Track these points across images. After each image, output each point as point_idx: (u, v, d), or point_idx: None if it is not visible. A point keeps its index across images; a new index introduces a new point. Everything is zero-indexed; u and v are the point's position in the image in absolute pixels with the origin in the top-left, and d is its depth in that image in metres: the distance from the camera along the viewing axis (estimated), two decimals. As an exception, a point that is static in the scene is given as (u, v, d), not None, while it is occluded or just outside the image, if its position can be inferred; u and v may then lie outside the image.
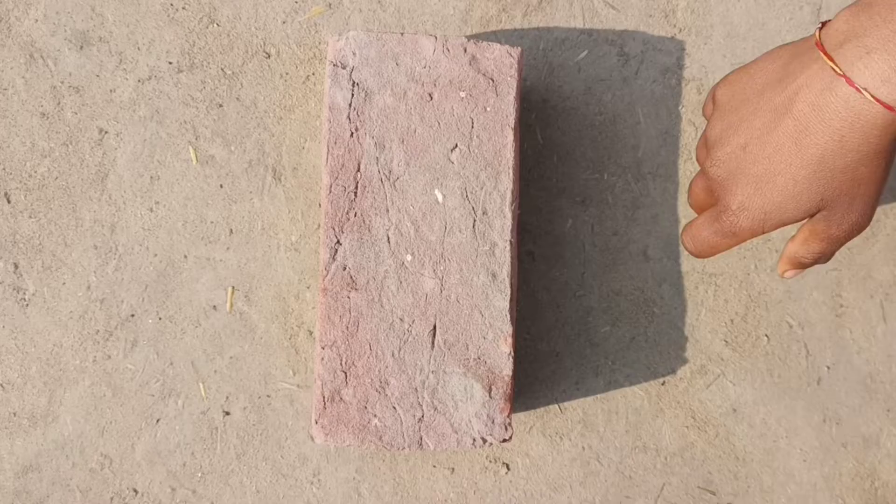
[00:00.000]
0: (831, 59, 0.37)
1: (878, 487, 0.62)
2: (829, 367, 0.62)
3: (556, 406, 0.60)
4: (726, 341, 0.61)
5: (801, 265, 0.46)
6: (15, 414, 0.56)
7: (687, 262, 0.61)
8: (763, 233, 0.43)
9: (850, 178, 0.39)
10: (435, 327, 0.51)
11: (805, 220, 0.43)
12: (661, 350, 0.61)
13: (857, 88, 0.36)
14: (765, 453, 0.62)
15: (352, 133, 0.51)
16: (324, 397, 0.50)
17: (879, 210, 0.62)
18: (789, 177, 0.40)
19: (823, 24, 0.39)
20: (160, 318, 0.57)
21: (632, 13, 0.60)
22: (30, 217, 0.56)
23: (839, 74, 0.36)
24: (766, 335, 0.62)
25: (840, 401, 0.62)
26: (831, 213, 0.41)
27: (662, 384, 0.61)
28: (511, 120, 0.52)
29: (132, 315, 0.56)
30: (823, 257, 0.45)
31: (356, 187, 0.51)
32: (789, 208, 0.41)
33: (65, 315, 0.56)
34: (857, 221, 0.42)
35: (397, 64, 0.52)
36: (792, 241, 0.46)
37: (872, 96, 0.36)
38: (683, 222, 0.61)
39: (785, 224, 0.42)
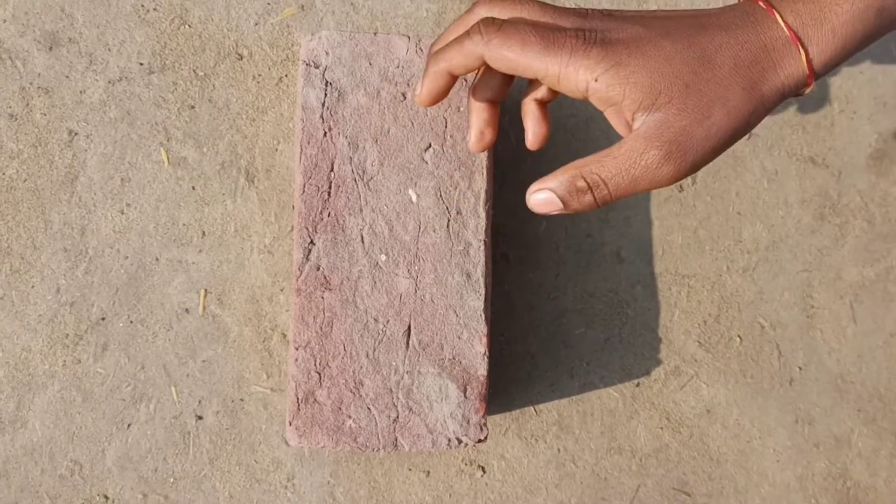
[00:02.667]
0: None
1: (850, 487, 0.63)
2: (800, 368, 0.63)
3: (532, 408, 0.60)
4: (699, 342, 0.62)
5: (573, 191, 0.36)
6: (-19, 420, 0.55)
7: (660, 264, 0.61)
8: (584, 83, 0.34)
9: (716, 89, 0.34)
10: (410, 327, 0.51)
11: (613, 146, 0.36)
12: (635, 351, 0.61)
13: (771, 9, 0.35)
14: (739, 454, 0.62)
15: (325, 132, 0.51)
16: (298, 398, 0.50)
17: (848, 212, 0.63)
18: (676, 43, 0.34)
19: None
20: (131, 322, 0.56)
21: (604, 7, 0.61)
22: (-2, 219, 0.55)
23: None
24: (739, 336, 0.62)
25: (812, 401, 0.63)
26: (667, 119, 0.34)
27: (637, 385, 0.61)
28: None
29: (103, 318, 0.56)
30: (604, 191, 0.36)
31: (330, 187, 0.51)
32: (650, 76, 0.34)
33: (34, 319, 0.55)
34: (678, 150, 0.34)
35: (370, 64, 0.52)
36: (585, 159, 0.36)
37: (782, 18, 0.34)
38: (657, 224, 0.61)
39: (617, 98, 0.34)
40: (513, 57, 0.34)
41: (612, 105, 0.35)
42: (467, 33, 0.36)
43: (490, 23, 0.35)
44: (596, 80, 0.34)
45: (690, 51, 0.34)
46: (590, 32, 0.34)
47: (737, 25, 0.34)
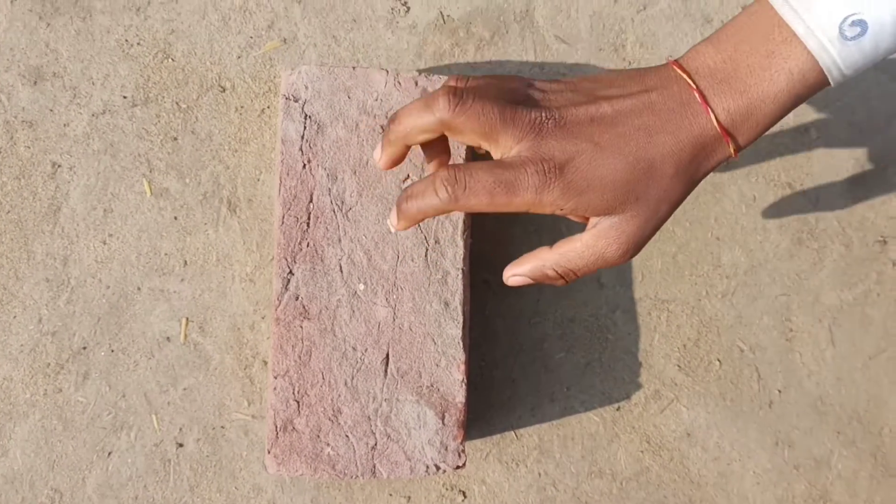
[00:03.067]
0: (690, 78, 0.40)
1: (831, 509, 0.63)
2: (780, 391, 0.63)
3: (513, 433, 0.61)
4: (679, 366, 0.62)
5: (543, 277, 0.43)
6: (-36, 450, 0.55)
7: (640, 289, 0.62)
8: (551, 209, 0.40)
9: (662, 192, 0.40)
10: (388, 355, 0.52)
11: (570, 237, 0.42)
12: (615, 376, 0.62)
13: (707, 109, 0.39)
14: (719, 476, 0.62)
15: (304, 164, 0.52)
16: (276, 426, 0.51)
17: (826, 236, 0.64)
18: (630, 161, 0.39)
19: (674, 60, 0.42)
20: (112, 351, 0.56)
21: (582, 47, 0.62)
22: (-18, 250, 0.56)
23: (695, 90, 0.40)
24: (719, 360, 0.63)
25: (792, 423, 0.63)
26: (622, 224, 0.40)
27: (617, 409, 0.62)
28: (462, 150, 0.53)
29: (84, 348, 0.56)
30: (571, 276, 0.43)
31: (308, 218, 0.52)
32: (606, 192, 0.39)
33: (15, 348, 0.56)
34: (631, 244, 0.41)
35: (349, 97, 0.52)
36: (550, 249, 0.43)
37: (717, 120, 0.39)
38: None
39: (580, 211, 0.40)
40: (484, 205, 0.40)
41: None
42: (433, 185, 0.40)
43: (453, 180, 0.39)
44: (561, 210, 0.40)
45: (640, 166, 0.39)
46: (548, 164, 0.39)
47: (677, 125, 0.40)
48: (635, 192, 0.40)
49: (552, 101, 0.41)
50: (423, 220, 0.42)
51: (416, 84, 0.53)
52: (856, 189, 0.65)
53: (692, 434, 0.62)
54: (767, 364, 0.63)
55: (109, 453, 0.56)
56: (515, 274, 0.44)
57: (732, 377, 0.63)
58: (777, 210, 0.64)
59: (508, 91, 0.41)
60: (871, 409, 0.64)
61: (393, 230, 0.44)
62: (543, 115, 0.39)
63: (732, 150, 0.41)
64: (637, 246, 0.41)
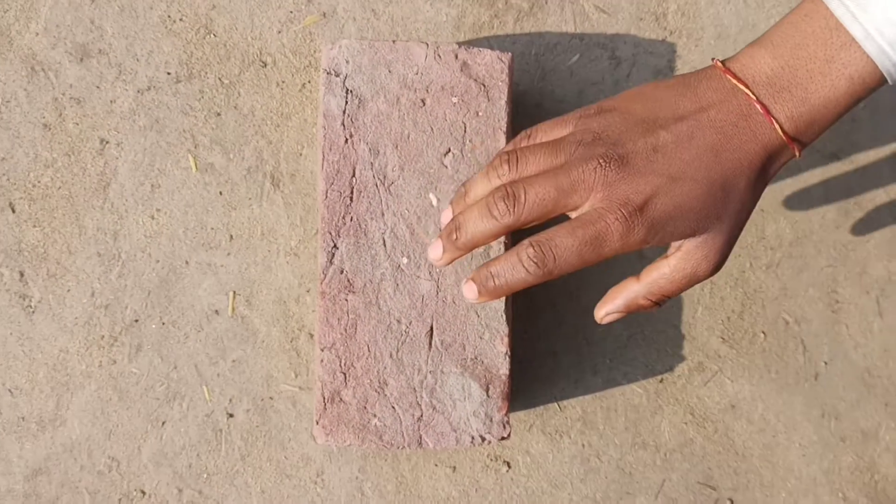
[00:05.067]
0: (749, 88, 0.39)
1: (878, 481, 0.63)
2: (826, 363, 0.63)
3: (556, 404, 0.61)
4: (723, 338, 0.62)
5: (637, 308, 0.44)
6: (24, 418, 0.57)
7: (682, 261, 0.62)
8: (639, 248, 0.40)
9: (740, 205, 0.40)
10: (432, 328, 0.52)
11: (660, 260, 0.42)
12: (658, 348, 0.62)
13: (771, 120, 0.39)
14: (764, 448, 0.62)
15: (346, 139, 0.52)
16: (324, 398, 0.51)
17: (873, 207, 0.63)
18: (705, 185, 0.39)
19: (722, 60, 0.41)
20: (163, 324, 0.58)
21: (622, 17, 0.61)
22: (34, 226, 0.57)
23: (756, 102, 0.39)
24: (763, 332, 0.62)
25: (838, 395, 0.63)
26: (708, 243, 0.40)
27: (661, 381, 0.62)
28: (503, 124, 0.53)
29: (136, 320, 0.58)
30: (664, 301, 0.43)
31: (352, 192, 0.52)
32: (689, 219, 0.39)
33: (70, 321, 0.57)
34: (721, 256, 0.41)
35: (390, 71, 0.52)
36: (638, 279, 0.43)
37: (782, 129, 0.39)
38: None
39: (666, 241, 0.40)
40: (575, 268, 0.40)
41: None
42: (520, 263, 0.40)
43: (541, 256, 0.39)
44: (648, 245, 0.40)
45: (715, 187, 0.39)
46: (626, 209, 0.38)
47: (742, 139, 0.39)
48: (716, 211, 0.40)
49: (607, 138, 0.40)
50: (511, 293, 0.42)
51: (457, 57, 0.53)
52: (906, 157, 0.63)
53: (737, 406, 0.62)
54: (813, 336, 0.63)
55: (163, 423, 0.58)
56: (609, 312, 0.45)
57: (777, 349, 0.62)
58: (822, 180, 0.63)
59: (557, 150, 0.41)
60: (920, 380, 0.63)
61: (474, 302, 0.43)
62: (602, 162, 0.39)
63: (797, 152, 0.40)
64: (725, 257, 0.42)
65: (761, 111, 0.39)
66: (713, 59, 0.42)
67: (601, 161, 0.39)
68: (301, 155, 0.59)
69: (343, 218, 0.52)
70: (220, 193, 0.58)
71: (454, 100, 0.52)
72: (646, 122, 0.40)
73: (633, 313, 0.44)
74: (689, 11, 0.61)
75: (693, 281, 0.42)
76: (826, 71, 0.38)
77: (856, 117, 0.63)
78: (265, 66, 0.59)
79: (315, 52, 0.59)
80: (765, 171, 0.40)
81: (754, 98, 0.39)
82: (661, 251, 0.43)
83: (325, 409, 0.51)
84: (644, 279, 0.43)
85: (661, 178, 0.39)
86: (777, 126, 0.39)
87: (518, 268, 0.40)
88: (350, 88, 0.52)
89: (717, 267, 0.41)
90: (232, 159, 0.58)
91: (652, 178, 0.39)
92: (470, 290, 0.42)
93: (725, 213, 0.40)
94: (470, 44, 0.58)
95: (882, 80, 0.39)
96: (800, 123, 0.39)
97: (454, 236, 0.42)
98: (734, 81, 0.40)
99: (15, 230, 0.57)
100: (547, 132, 0.44)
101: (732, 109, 0.39)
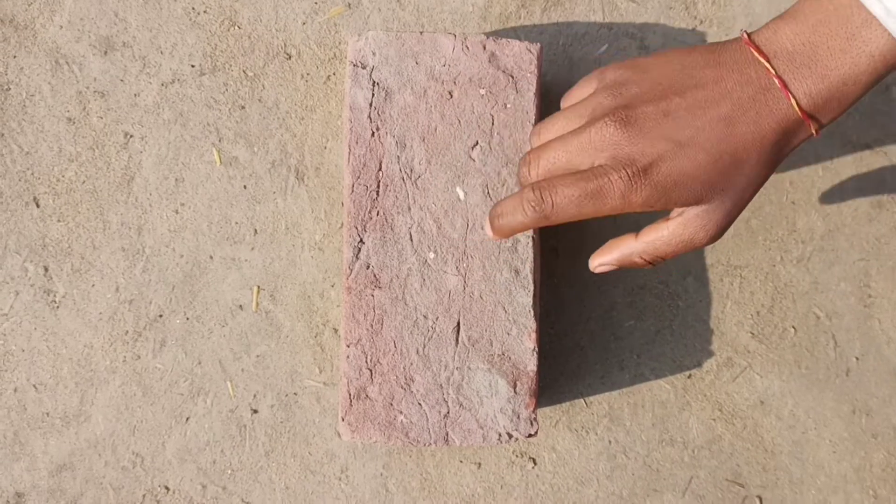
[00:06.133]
0: (769, 62, 0.39)
1: (910, 479, 0.62)
2: (857, 358, 0.62)
3: (582, 400, 0.60)
4: (752, 333, 0.61)
5: (631, 264, 0.45)
6: (48, 414, 0.57)
7: (712, 255, 0.61)
8: (640, 210, 0.41)
9: (747, 180, 0.40)
10: (459, 324, 0.51)
11: (660, 222, 0.44)
12: (686, 343, 0.61)
13: (788, 95, 0.39)
14: (793, 445, 0.61)
15: (373, 132, 0.51)
16: (350, 395, 0.51)
17: (907, 199, 0.62)
18: (713, 155, 0.39)
19: (749, 33, 0.41)
20: (188, 318, 0.57)
21: (652, 5, 0.60)
22: (58, 221, 0.57)
23: (775, 76, 0.39)
24: (794, 327, 0.61)
25: (870, 392, 0.62)
26: (709, 212, 0.41)
27: (688, 377, 0.61)
28: (531, 116, 0.52)
29: (160, 315, 0.57)
30: (658, 262, 0.45)
31: (378, 186, 0.51)
32: (693, 187, 0.40)
33: (94, 316, 0.57)
34: (720, 228, 0.42)
35: (417, 63, 0.52)
36: (636, 237, 0.44)
37: (798, 105, 0.39)
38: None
39: (668, 206, 0.41)
40: (573, 217, 0.42)
41: None
42: (521, 205, 0.43)
43: (539, 200, 0.42)
44: (651, 208, 0.41)
45: (723, 158, 0.40)
46: (630, 169, 0.39)
47: (757, 113, 0.39)
48: (721, 183, 0.40)
49: (620, 97, 0.41)
50: (517, 233, 0.46)
51: (485, 48, 0.52)
52: (941, 149, 0.62)
53: (766, 402, 0.61)
54: (845, 331, 0.62)
55: (187, 419, 0.57)
56: (602, 263, 0.46)
57: (808, 344, 0.61)
58: (855, 172, 0.62)
59: (573, 116, 0.44)
60: (954, 377, 0.62)
61: (491, 237, 0.48)
62: (608, 121, 0.40)
63: (814, 131, 0.40)
64: (724, 230, 0.42)
65: (779, 85, 0.39)
66: (741, 31, 0.41)
67: (607, 121, 0.40)
68: (326, 148, 0.58)
69: (369, 212, 0.51)
70: (245, 187, 0.58)
71: (482, 92, 0.52)
72: (661, 86, 0.41)
73: (625, 268, 0.46)
74: (719, 0, 0.60)
75: (689, 247, 0.43)
76: (847, 48, 0.38)
77: (889, 106, 0.61)
78: (289, 58, 0.58)
79: (340, 43, 0.58)
80: (778, 149, 0.40)
81: (773, 72, 0.39)
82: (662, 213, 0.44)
83: (351, 405, 0.51)
84: (642, 238, 0.44)
85: (668, 144, 0.39)
86: (794, 101, 0.39)
87: (518, 209, 0.43)
88: (377, 81, 0.51)
89: (713, 238, 0.42)
90: (256, 153, 0.58)
91: (658, 142, 0.40)
92: (487, 227, 0.47)
93: (731, 186, 0.40)
94: (497, 34, 0.57)
95: None
96: (818, 100, 0.39)
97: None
98: (755, 54, 0.40)
99: (39, 225, 0.57)
100: (575, 95, 0.47)
101: (750, 81, 0.39)
